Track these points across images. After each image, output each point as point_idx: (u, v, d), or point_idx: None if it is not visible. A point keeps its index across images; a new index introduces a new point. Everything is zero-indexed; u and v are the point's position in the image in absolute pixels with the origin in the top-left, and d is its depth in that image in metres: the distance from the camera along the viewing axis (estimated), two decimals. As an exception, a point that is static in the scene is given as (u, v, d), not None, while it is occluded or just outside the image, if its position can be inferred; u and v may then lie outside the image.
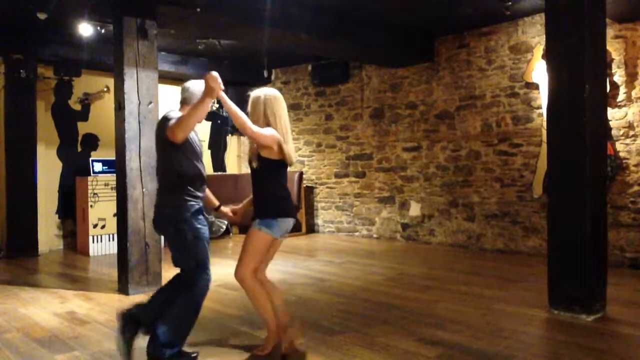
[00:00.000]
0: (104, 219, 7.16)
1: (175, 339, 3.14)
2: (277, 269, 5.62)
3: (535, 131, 6.41)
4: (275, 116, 3.21)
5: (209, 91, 2.97)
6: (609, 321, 3.88)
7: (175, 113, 3.23)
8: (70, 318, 4.19)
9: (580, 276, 3.92)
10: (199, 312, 3.25)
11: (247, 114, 3.20)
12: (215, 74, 2.97)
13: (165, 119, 3.19)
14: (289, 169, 3.36)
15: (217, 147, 9.59)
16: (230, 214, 3.53)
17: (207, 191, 3.43)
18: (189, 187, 3.19)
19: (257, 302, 3.24)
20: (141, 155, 4.91)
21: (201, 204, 3.28)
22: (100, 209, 7.15)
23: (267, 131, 3.13)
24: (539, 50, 6.27)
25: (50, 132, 7.55)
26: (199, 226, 3.19)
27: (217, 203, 3.53)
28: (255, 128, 3.07)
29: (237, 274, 3.20)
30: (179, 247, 3.21)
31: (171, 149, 3.15)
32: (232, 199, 5.11)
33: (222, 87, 3.01)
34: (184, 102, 3.34)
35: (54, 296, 4.90)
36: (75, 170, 7.60)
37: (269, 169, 3.21)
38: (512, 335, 3.61)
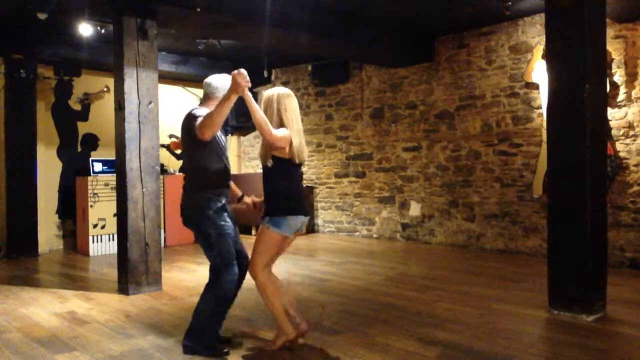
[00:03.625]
0: (104, 219, 7.16)
1: (202, 330, 3.26)
2: (277, 270, 5.56)
3: (535, 131, 6.41)
4: (289, 115, 3.21)
5: (235, 87, 2.93)
6: (609, 321, 3.88)
7: (201, 110, 3.24)
8: (70, 318, 4.19)
9: (580, 276, 3.92)
10: (228, 305, 3.35)
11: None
12: (243, 70, 2.93)
13: (192, 117, 3.21)
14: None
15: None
16: (251, 204, 3.57)
17: (231, 183, 3.47)
18: (213, 183, 3.27)
19: (266, 297, 3.30)
20: (141, 155, 4.91)
21: (224, 201, 3.32)
22: (100, 209, 7.15)
23: (282, 132, 3.14)
24: (539, 50, 6.27)
25: (50, 132, 7.56)
26: (222, 223, 3.24)
27: (240, 193, 3.57)
28: (273, 131, 3.07)
29: (250, 270, 3.30)
30: (205, 244, 3.29)
31: (198, 145, 3.20)
32: (231, 199, 5.12)
33: (249, 84, 2.95)
34: (207, 97, 3.38)
35: (54, 296, 4.90)
36: (75, 170, 7.60)
37: (281, 167, 3.23)
38: (512, 335, 3.61)
